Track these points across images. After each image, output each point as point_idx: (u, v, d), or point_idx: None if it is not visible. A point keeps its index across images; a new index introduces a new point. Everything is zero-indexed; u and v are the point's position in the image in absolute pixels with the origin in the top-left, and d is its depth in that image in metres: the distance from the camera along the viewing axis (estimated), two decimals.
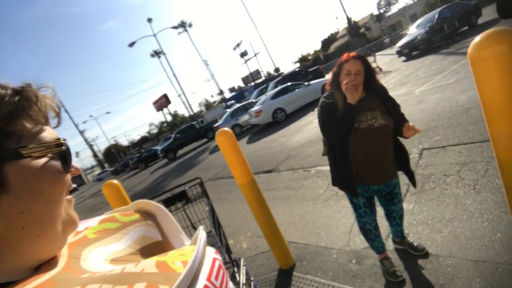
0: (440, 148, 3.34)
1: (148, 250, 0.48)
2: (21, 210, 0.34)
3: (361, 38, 32.58)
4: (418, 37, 11.69)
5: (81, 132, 49.95)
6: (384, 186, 1.82)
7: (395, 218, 1.96)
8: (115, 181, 2.38)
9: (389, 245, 2.20)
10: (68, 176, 0.41)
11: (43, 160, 0.37)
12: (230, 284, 0.44)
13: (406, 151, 1.84)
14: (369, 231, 1.92)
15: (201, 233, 0.44)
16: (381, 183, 1.79)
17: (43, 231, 0.36)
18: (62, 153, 0.40)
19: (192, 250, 0.39)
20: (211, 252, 0.43)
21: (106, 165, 52.71)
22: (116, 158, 49.65)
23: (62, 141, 0.40)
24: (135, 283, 0.32)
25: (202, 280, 0.36)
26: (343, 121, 1.62)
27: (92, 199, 17.18)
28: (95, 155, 54.96)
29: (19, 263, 0.35)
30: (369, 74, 1.70)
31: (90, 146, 52.79)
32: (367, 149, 1.68)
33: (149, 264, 0.36)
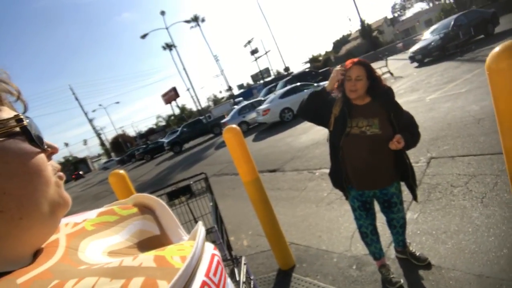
0: (448, 158, 3.29)
1: (146, 244, 0.47)
2: None
3: (373, 41, 32.21)
4: (432, 43, 11.51)
5: (90, 120, 50.62)
6: (381, 194, 1.82)
7: (396, 226, 1.95)
8: (121, 171, 2.41)
9: (391, 253, 2.18)
10: (42, 155, 0.39)
11: (5, 141, 0.35)
12: (228, 280, 0.44)
13: (408, 164, 1.77)
14: (365, 235, 1.94)
15: (200, 229, 0.44)
16: (370, 189, 1.79)
17: (25, 214, 0.35)
18: (27, 131, 0.37)
19: (191, 246, 0.39)
20: (210, 248, 0.43)
21: (112, 154, 53.31)
22: (123, 148, 50.18)
23: (21, 117, 0.37)
24: (133, 277, 0.32)
25: (200, 276, 0.36)
26: (310, 96, 1.77)
27: (98, 187, 17.41)
28: (102, 144, 55.66)
29: (11, 252, 0.34)
30: (373, 80, 1.68)
31: (98, 135, 53.47)
32: (355, 155, 1.72)
33: (147, 258, 0.36)
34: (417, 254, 2.00)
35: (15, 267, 0.33)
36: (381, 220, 2.06)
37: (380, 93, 1.70)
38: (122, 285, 0.30)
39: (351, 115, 1.71)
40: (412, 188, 1.82)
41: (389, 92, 1.72)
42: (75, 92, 47.81)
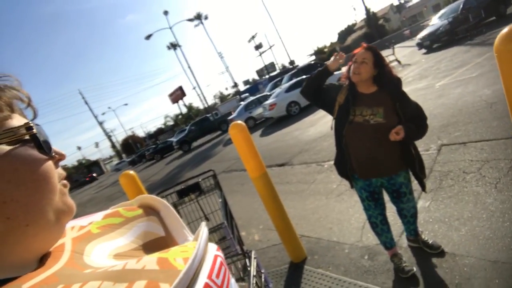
0: (460, 145, 3.22)
1: (151, 245, 0.48)
2: (2, 200, 0.34)
3: (379, 30, 31.57)
4: (441, 28, 11.21)
5: (100, 123, 51.46)
6: (389, 184, 1.80)
7: (406, 216, 1.92)
8: (131, 172, 2.45)
9: (404, 242, 2.16)
10: (50, 163, 0.39)
11: (16, 148, 0.36)
12: (232, 281, 0.43)
13: (414, 154, 1.72)
14: (375, 225, 1.93)
15: (203, 230, 0.44)
16: (373, 177, 1.77)
17: (31, 221, 0.35)
18: (36, 138, 0.38)
19: (194, 247, 0.39)
20: (212, 249, 0.43)
21: (123, 155, 54.16)
22: (133, 149, 50.92)
23: (31, 124, 0.38)
24: (135, 280, 0.32)
25: (202, 278, 0.36)
26: (313, 74, 1.79)
27: (111, 188, 17.76)
28: (113, 146, 56.61)
29: (17, 258, 0.35)
30: (381, 68, 1.65)
31: (109, 137, 54.37)
32: (358, 143, 1.72)
33: (151, 261, 0.36)
34: (430, 242, 1.98)
35: (21, 273, 0.33)
36: (391, 209, 2.04)
37: (388, 82, 1.67)
38: None
39: (355, 103, 1.69)
40: (420, 179, 1.79)
41: (397, 82, 1.69)
42: (84, 96, 48.63)
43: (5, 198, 0.33)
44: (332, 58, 1.79)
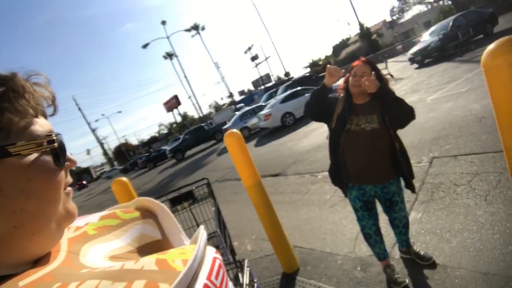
0: (451, 157, 3.28)
1: (148, 248, 0.47)
2: (12, 210, 0.34)
3: (373, 44, 32.33)
4: (431, 44, 11.54)
5: (93, 130, 50.93)
6: (382, 192, 1.83)
7: (398, 226, 1.95)
8: (124, 179, 2.42)
9: (396, 253, 2.16)
10: (62, 173, 0.39)
11: (33, 157, 0.36)
12: (230, 283, 0.43)
13: (406, 154, 1.82)
14: (369, 236, 1.93)
15: (202, 232, 0.44)
16: (370, 183, 1.81)
17: (37, 230, 0.36)
18: (54, 149, 0.38)
19: (193, 249, 0.39)
20: (211, 251, 0.43)
21: (115, 163, 53.47)
22: (126, 157, 50.34)
23: (54, 137, 0.38)
24: (134, 280, 0.32)
25: (202, 279, 0.36)
26: (313, 96, 1.79)
27: (102, 196, 17.44)
28: (105, 153, 55.88)
29: (16, 259, 0.35)
30: (378, 80, 1.71)
31: (101, 144, 53.73)
32: (355, 151, 1.76)
33: (149, 262, 0.36)
34: (422, 253, 1.99)
35: (17, 270, 0.34)
36: (384, 221, 2.05)
37: (384, 94, 1.70)
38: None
39: (351, 113, 1.75)
40: (410, 177, 1.82)
41: (391, 94, 1.72)
42: (78, 103, 48.24)
43: (14, 208, 0.33)
44: (326, 75, 1.78)
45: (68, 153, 0.42)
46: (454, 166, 3.06)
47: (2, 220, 0.33)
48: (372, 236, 1.92)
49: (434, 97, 6.16)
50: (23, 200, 0.34)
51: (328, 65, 1.76)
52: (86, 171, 66.91)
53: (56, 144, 0.38)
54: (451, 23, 11.78)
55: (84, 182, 48.32)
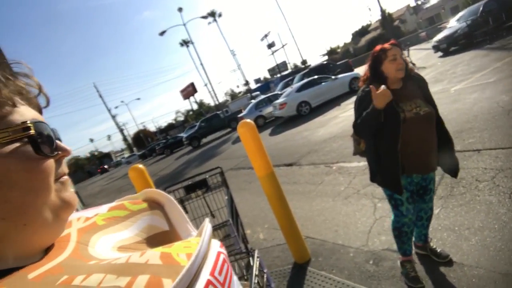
0: (474, 152, 3.13)
1: (155, 239, 0.48)
2: None
3: (394, 31, 31.00)
4: (458, 31, 10.91)
5: (113, 117, 52.34)
6: (422, 179, 1.76)
7: (422, 218, 1.88)
8: (140, 166, 2.48)
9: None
10: (49, 162, 0.37)
11: (11, 147, 0.34)
12: (235, 278, 0.43)
13: (451, 138, 1.76)
14: (405, 233, 1.80)
15: (206, 226, 0.43)
16: (426, 172, 1.73)
17: (28, 220, 0.35)
18: (33, 139, 0.36)
19: (197, 243, 0.39)
20: (216, 246, 0.42)
21: (134, 149, 54.99)
22: (144, 143, 51.65)
23: (28, 124, 0.36)
24: (138, 274, 0.32)
25: (205, 275, 0.36)
26: (366, 123, 1.63)
27: (121, 180, 18.07)
28: (125, 139, 57.53)
29: (21, 252, 0.35)
30: (404, 63, 1.67)
31: (121, 130, 55.27)
32: (418, 138, 1.62)
33: (154, 255, 0.36)
34: (438, 250, 1.94)
35: (27, 262, 0.34)
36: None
37: (410, 75, 1.71)
38: (128, 282, 0.31)
39: (396, 101, 1.61)
40: (457, 162, 1.75)
41: (422, 78, 1.74)
42: (99, 89, 49.52)
43: None
44: (376, 97, 1.54)
45: (58, 142, 0.41)
46: (477, 161, 2.93)
47: None
48: (408, 234, 1.80)
49: (458, 88, 5.86)
50: (5, 191, 0.33)
51: (382, 89, 1.52)
52: (107, 156, 69.44)
53: (32, 132, 0.36)
54: (481, 8, 11.04)
55: (106, 166, 50.23)
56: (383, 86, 1.54)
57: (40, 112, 0.43)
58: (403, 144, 1.60)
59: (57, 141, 0.40)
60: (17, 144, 0.35)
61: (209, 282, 0.35)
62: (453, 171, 1.77)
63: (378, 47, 1.70)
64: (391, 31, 30.84)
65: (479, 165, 2.84)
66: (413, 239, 2.05)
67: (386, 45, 1.66)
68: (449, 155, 1.75)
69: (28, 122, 0.36)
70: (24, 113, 0.37)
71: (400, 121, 1.57)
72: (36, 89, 0.42)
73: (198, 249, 0.37)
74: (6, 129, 0.34)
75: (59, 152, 0.40)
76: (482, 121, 3.80)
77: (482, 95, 4.78)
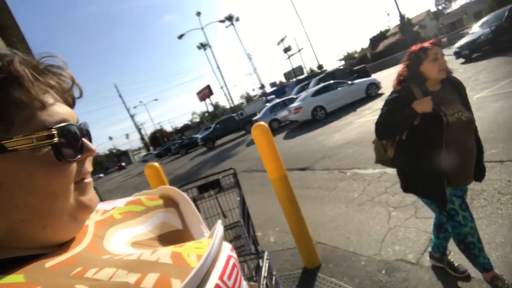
0: (497, 163, 3.01)
1: (168, 237, 0.48)
2: (15, 205, 0.33)
3: (414, 37, 30.28)
4: (482, 37, 10.52)
5: (132, 116, 53.80)
6: (460, 189, 1.60)
7: (447, 229, 1.74)
8: (156, 164, 2.54)
9: (425, 260, 2.05)
10: (71, 166, 0.37)
11: (33, 152, 0.34)
12: (244, 284, 0.43)
13: (482, 146, 1.67)
14: (473, 245, 1.57)
15: (218, 228, 0.43)
16: (469, 182, 1.61)
17: (47, 223, 0.35)
18: (56, 146, 0.35)
19: (209, 244, 0.39)
20: (226, 249, 0.42)
21: (151, 148, 56.19)
22: (160, 143, 52.69)
23: (53, 132, 0.35)
24: (148, 272, 0.32)
25: (213, 279, 0.36)
26: (399, 123, 1.51)
27: (138, 177, 18.47)
28: (142, 138, 58.92)
29: (38, 245, 0.36)
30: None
31: (139, 130, 56.66)
32: (461, 145, 1.50)
33: (165, 254, 0.36)
34: (456, 264, 1.86)
35: (46, 251, 0.35)
36: (414, 224, 1.94)
37: (448, 79, 1.61)
38: (138, 279, 0.31)
39: (438, 103, 1.49)
40: (484, 169, 1.68)
41: (458, 81, 1.64)
42: (119, 90, 51.02)
43: (17, 202, 0.33)
44: (422, 102, 1.47)
45: (85, 141, 0.40)
46: (500, 173, 2.81)
47: (6, 214, 0.33)
48: (476, 244, 1.58)
49: (481, 95, 5.65)
50: (25, 195, 0.33)
51: (427, 98, 1.46)
52: (124, 154, 71.26)
53: (56, 139, 0.35)
54: (507, 13, 10.59)
55: (123, 164, 51.60)
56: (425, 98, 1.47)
57: (73, 102, 0.44)
58: (448, 151, 1.48)
59: (84, 140, 0.40)
60: (39, 150, 0.34)
61: (217, 287, 0.35)
62: (479, 178, 1.68)
63: (417, 46, 1.59)
64: (410, 36, 30.16)
65: (502, 177, 2.73)
66: (430, 249, 1.98)
67: (427, 44, 1.55)
68: (479, 163, 1.65)
69: (53, 129, 0.35)
70: (53, 112, 0.37)
71: (443, 125, 1.45)
72: (69, 81, 0.42)
73: (208, 251, 0.37)
74: (29, 136, 0.33)
75: (83, 154, 0.40)
76: (506, 130, 3.65)
77: (507, 103, 4.59)
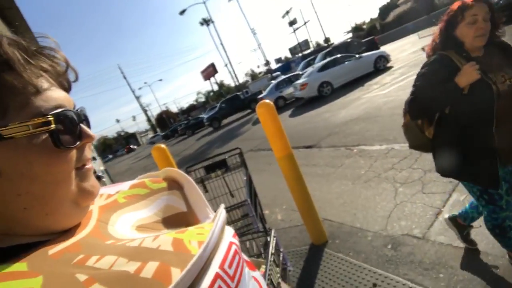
0: None
1: (172, 220, 0.48)
2: (17, 193, 0.33)
3: (427, 4, 28.75)
4: (501, 1, 9.95)
5: (137, 98, 53.80)
6: (509, 173, 1.44)
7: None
8: (162, 145, 2.56)
9: (431, 235, 2.06)
10: (71, 153, 0.37)
11: (31, 140, 0.33)
12: (246, 270, 0.42)
13: None
14: (509, 228, 1.46)
15: (220, 214, 0.43)
16: None
17: (50, 211, 0.35)
18: (54, 134, 0.34)
19: (210, 229, 0.38)
20: (228, 235, 0.42)
21: (158, 129, 56.66)
22: (167, 124, 53.03)
23: (49, 118, 0.34)
24: (148, 260, 0.32)
25: (214, 267, 0.35)
26: (441, 99, 1.31)
27: (146, 159, 18.81)
28: (149, 120, 59.29)
29: (41, 232, 0.36)
30: (493, 25, 1.31)
31: (145, 111, 56.87)
32: None
33: (166, 241, 0.36)
34: (471, 236, 1.80)
35: (50, 237, 0.36)
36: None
37: (493, 40, 1.37)
38: (137, 268, 0.31)
39: (483, 70, 1.28)
40: None
41: (505, 43, 1.39)
42: (123, 71, 50.71)
43: (19, 191, 0.33)
44: (464, 73, 1.26)
45: (83, 127, 0.39)
46: None
47: (9, 202, 0.33)
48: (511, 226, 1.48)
49: None
50: (26, 183, 0.33)
51: (468, 65, 1.26)
52: (132, 136, 72.31)
53: (52, 126, 0.34)
54: None
55: (132, 146, 52.56)
56: (471, 63, 1.24)
57: (69, 87, 0.42)
58: (500, 126, 1.27)
59: (81, 126, 0.39)
60: (37, 137, 0.34)
61: (217, 275, 0.35)
62: None
63: (456, 3, 1.32)
64: (423, 4, 28.64)
65: None
66: (456, 212, 1.82)
67: (468, 1, 1.28)
68: None
69: (49, 115, 0.35)
70: (48, 98, 0.36)
71: (494, 95, 1.24)
72: (63, 64, 0.40)
73: (208, 239, 0.37)
74: (25, 122, 0.33)
75: (82, 141, 0.39)
76: None
77: None
